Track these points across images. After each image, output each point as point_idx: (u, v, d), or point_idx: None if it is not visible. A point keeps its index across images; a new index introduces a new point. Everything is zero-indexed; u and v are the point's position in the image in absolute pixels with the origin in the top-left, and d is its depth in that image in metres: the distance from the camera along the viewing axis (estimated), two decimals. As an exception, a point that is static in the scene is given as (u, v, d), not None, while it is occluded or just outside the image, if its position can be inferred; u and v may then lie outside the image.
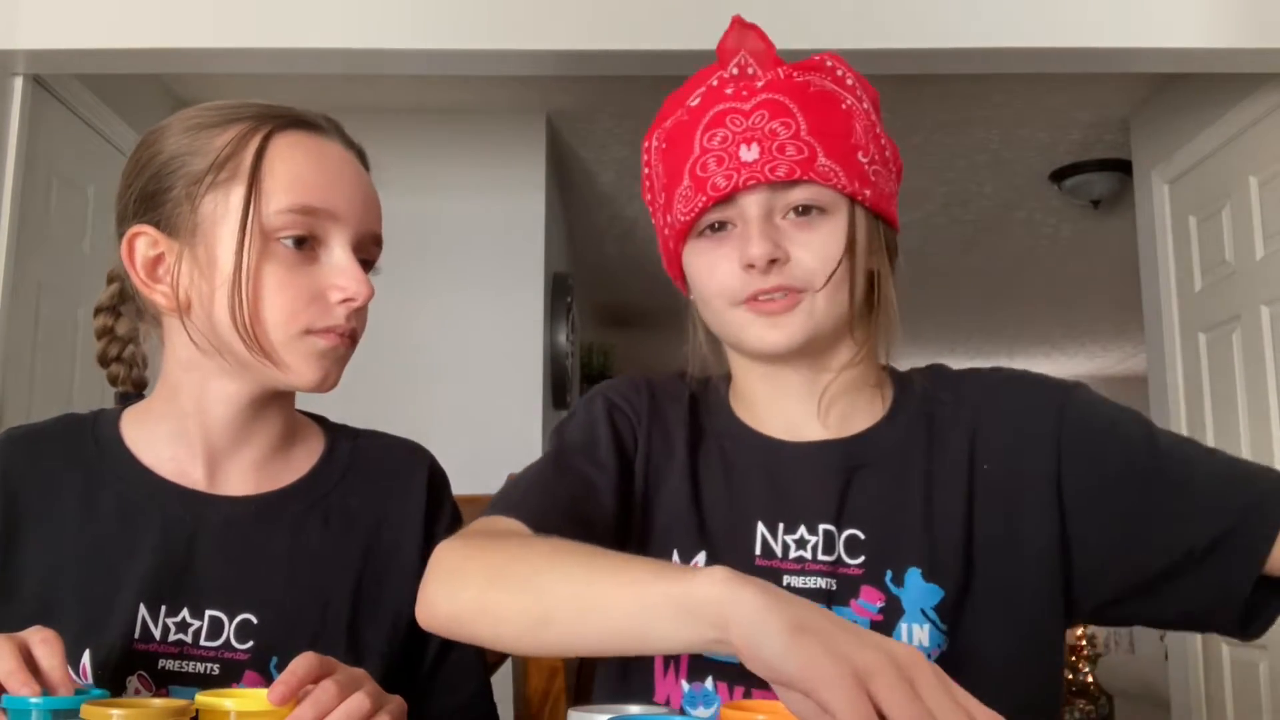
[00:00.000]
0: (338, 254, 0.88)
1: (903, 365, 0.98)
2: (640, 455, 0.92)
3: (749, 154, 0.85)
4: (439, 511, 0.97)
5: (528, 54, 2.42)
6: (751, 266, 0.84)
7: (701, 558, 0.88)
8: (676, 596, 0.60)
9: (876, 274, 0.90)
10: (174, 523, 0.89)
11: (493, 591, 0.70)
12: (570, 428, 0.94)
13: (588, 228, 4.49)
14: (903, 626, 0.84)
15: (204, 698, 0.67)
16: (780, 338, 0.86)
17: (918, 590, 0.85)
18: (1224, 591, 0.81)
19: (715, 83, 0.89)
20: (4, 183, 2.45)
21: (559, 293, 3.65)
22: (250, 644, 0.86)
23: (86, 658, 0.83)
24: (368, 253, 0.92)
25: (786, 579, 0.86)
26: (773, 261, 0.84)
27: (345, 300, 0.87)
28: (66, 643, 0.70)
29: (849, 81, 0.89)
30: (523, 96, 3.32)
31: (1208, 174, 3.04)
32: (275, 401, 0.93)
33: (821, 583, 0.86)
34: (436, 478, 0.99)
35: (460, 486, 1.05)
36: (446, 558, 0.75)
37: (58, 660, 0.69)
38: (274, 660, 0.86)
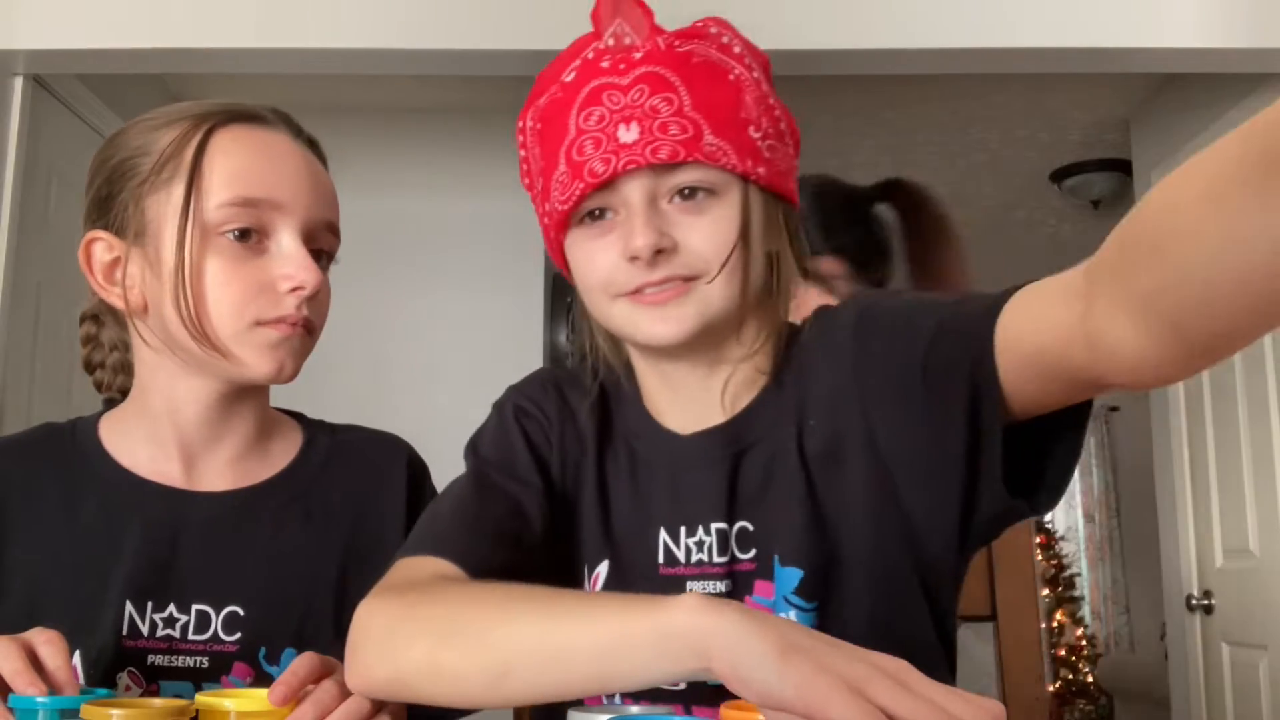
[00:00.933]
0: (285, 243, 0.88)
1: None
2: (556, 461, 0.88)
3: (628, 134, 0.78)
4: (420, 501, 0.97)
5: (528, 54, 2.42)
6: (636, 259, 0.78)
7: (604, 567, 0.85)
8: (651, 630, 0.58)
9: (776, 256, 0.84)
10: (155, 521, 0.89)
11: (444, 650, 0.66)
12: (485, 442, 0.89)
13: (588, 228, 4.48)
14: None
15: (204, 698, 0.67)
16: (670, 330, 0.79)
17: (780, 578, 0.80)
18: (992, 466, 0.72)
19: (591, 55, 0.82)
20: (4, 183, 2.45)
21: (559, 293, 3.65)
22: (238, 635, 0.87)
23: (77, 657, 0.83)
24: (321, 242, 0.91)
25: (689, 585, 0.82)
26: (659, 252, 0.78)
27: (294, 289, 0.87)
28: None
29: (736, 49, 0.83)
30: (524, 97, 3.31)
31: (1208, 174, 3.04)
32: (247, 397, 0.93)
33: (720, 586, 0.82)
34: (416, 468, 1.00)
35: (460, 487, 1.04)
36: (376, 617, 0.71)
37: (62, 660, 0.69)
38: (262, 651, 0.87)
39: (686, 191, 0.79)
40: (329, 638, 0.88)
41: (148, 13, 2.37)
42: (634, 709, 0.68)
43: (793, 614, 0.79)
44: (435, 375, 3.24)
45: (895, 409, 0.77)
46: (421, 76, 3.05)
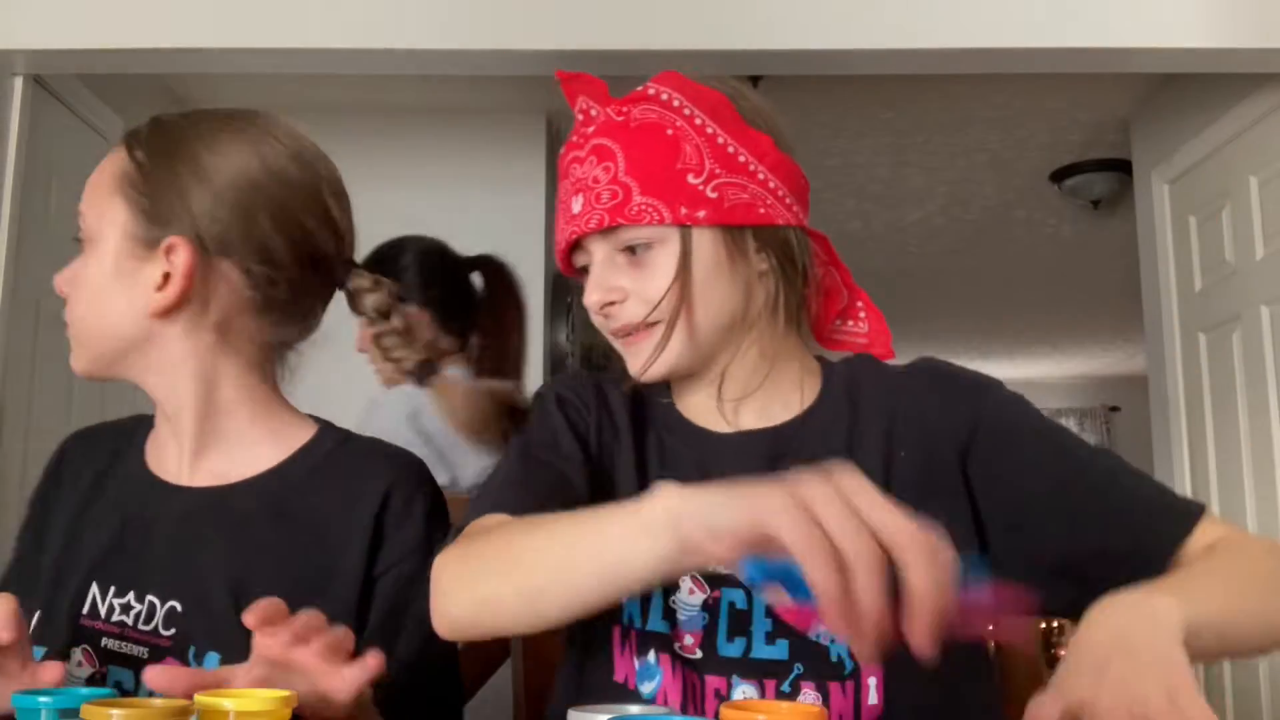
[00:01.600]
0: None
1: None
2: (594, 441, 0.94)
3: (576, 205, 0.90)
4: (403, 520, 0.92)
5: (528, 54, 2.42)
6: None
7: None
8: (636, 521, 0.64)
9: (763, 274, 0.91)
10: (141, 512, 0.94)
11: (488, 583, 0.72)
12: (527, 427, 0.95)
13: (588, 228, 4.48)
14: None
15: (203, 698, 0.67)
16: (647, 373, 0.91)
17: None
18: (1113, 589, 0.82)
19: (574, 127, 0.94)
20: (4, 183, 2.45)
21: (559, 293, 3.65)
22: (172, 631, 0.87)
23: (36, 619, 0.88)
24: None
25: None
26: (610, 304, 0.90)
27: None
28: (30, 611, 0.75)
29: (675, 103, 0.90)
30: (523, 96, 3.31)
31: (1208, 174, 3.04)
32: (221, 394, 0.94)
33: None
34: (405, 485, 0.94)
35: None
36: (447, 566, 0.77)
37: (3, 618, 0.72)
38: (192, 650, 0.86)
39: (630, 247, 0.89)
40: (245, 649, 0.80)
41: (148, 13, 2.37)
42: (634, 709, 0.68)
43: None
44: (435, 375, 3.23)
45: (1013, 486, 0.88)
46: (422, 76, 3.05)
